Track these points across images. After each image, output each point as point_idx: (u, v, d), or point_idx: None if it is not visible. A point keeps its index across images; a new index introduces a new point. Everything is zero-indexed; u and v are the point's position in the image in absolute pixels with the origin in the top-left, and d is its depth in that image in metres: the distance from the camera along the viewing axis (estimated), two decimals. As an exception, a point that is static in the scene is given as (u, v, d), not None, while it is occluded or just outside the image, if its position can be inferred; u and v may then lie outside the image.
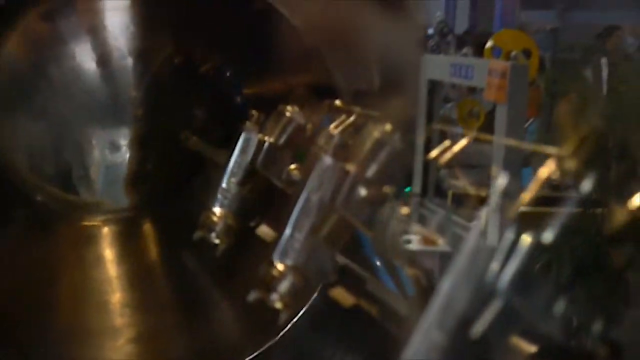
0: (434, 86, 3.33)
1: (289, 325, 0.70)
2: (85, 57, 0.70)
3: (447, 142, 0.46)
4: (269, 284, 0.53)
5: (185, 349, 0.74)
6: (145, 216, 0.72)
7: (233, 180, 0.63)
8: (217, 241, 0.63)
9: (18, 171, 0.69)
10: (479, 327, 0.33)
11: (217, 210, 0.63)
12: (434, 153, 0.46)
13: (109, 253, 0.73)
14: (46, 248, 0.71)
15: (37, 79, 0.72)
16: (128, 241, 0.73)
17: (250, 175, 0.62)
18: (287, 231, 0.52)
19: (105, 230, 0.72)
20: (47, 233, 0.72)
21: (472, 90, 3.43)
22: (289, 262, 0.52)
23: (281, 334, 0.70)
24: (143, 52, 0.68)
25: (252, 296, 0.55)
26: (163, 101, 0.71)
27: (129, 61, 0.70)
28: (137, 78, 0.72)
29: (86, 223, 0.72)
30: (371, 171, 0.50)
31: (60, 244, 0.72)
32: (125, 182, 0.69)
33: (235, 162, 0.63)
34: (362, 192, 0.50)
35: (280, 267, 0.52)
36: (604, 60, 4.02)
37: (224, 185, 0.64)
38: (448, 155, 0.45)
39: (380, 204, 0.50)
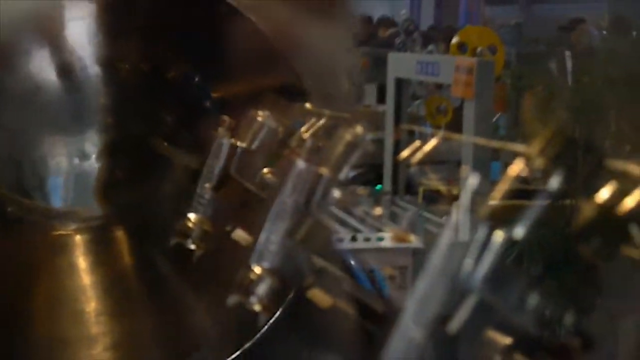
0: (401, 84, 3.35)
1: (266, 327, 0.70)
2: (50, 66, 0.71)
3: (417, 142, 0.46)
4: (247, 287, 0.54)
5: (162, 354, 0.74)
6: (117, 223, 0.72)
7: (207, 185, 0.63)
8: (193, 247, 0.63)
9: None
10: (455, 323, 0.34)
11: (192, 216, 0.64)
12: (404, 153, 0.47)
13: (82, 261, 0.73)
14: (18, 258, 0.71)
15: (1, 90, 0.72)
16: (101, 249, 0.73)
17: (224, 180, 0.62)
18: (263, 235, 0.53)
19: (78, 238, 0.72)
20: (19, 243, 0.72)
21: (440, 86, 3.46)
22: (266, 265, 0.52)
23: (258, 335, 0.71)
24: (109, 59, 0.69)
25: (232, 300, 0.56)
26: (131, 108, 0.72)
27: (96, 69, 0.70)
28: (104, 86, 0.73)
29: (58, 232, 0.72)
30: (344, 174, 0.51)
31: (32, 253, 0.72)
32: (96, 190, 0.70)
33: (209, 167, 0.64)
34: (336, 194, 0.51)
35: (257, 270, 0.53)
36: (568, 53, 4.07)
37: (198, 190, 0.64)
38: (419, 155, 0.45)
39: (354, 205, 0.51)
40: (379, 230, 2.48)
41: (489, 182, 0.38)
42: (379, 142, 3.14)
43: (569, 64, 3.95)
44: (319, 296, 0.53)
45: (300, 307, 0.76)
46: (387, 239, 2.44)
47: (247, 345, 0.69)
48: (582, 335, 0.37)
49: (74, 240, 0.74)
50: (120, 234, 0.75)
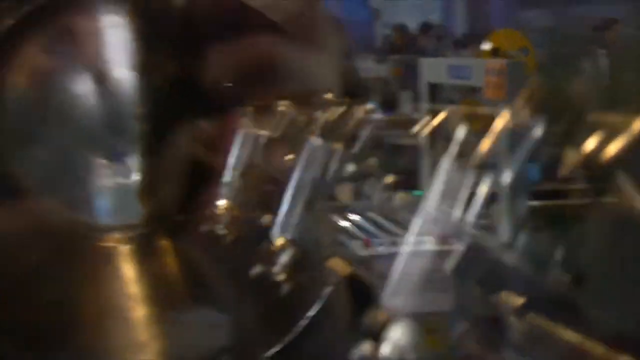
0: (434, 89, 3.37)
1: (307, 319, 0.73)
2: (87, 79, 0.74)
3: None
4: (270, 258, 0.58)
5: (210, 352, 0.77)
6: (159, 231, 0.74)
7: (235, 173, 0.67)
8: (223, 232, 0.67)
9: (33, 198, 0.71)
10: (450, 262, 0.37)
11: (221, 203, 0.68)
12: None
13: (127, 271, 0.75)
14: (63, 271, 0.74)
15: (43, 109, 0.75)
16: (145, 258, 0.75)
17: (250, 167, 0.66)
18: (284, 208, 0.57)
19: (122, 248, 0.75)
20: (64, 256, 0.75)
21: (473, 90, 3.48)
22: (288, 236, 0.56)
23: (299, 328, 0.74)
24: (144, 67, 0.72)
25: (255, 271, 0.59)
26: (167, 116, 0.75)
27: (131, 78, 0.74)
28: (140, 95, 0.76)
29: (102, 244, 0.74)
30: (356, 149, 0.54)
31: (78, 265, 0.74)
32: (137, 200, 0.72)
33: (236, 156, 0.68)
34: (350, 168, 0.54)
35: (279, 241, 0.56)
36: (602, 52, 4.07)
37: (227, 179, 0.68)
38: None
39: (367, 177, 0.54)
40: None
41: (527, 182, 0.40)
42: (417, 148, 3.16)
43: (603, 63, 3.95)
44: (339, 265, 0.56)
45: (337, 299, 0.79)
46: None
47: (289, 338, 0.71)
48: (574, 274, 0.39)
49: (119, 250, 0.77)
50: (163, 242, 0.79)
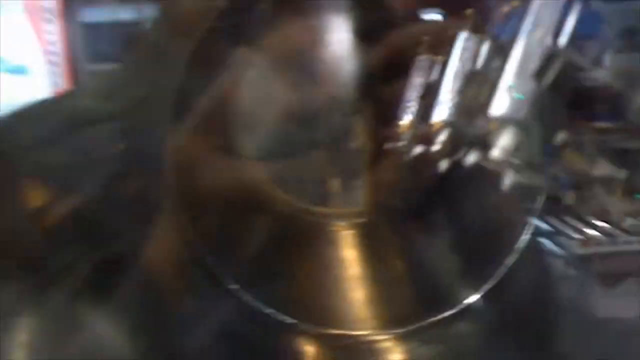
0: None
1: (506, 265, 0.76)
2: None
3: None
4: (429, 138, 0.64)
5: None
6: (382, 217, 0.76)
7: (453, 89, 0.67)
8: (436, 148, 0.67)
9: (261, 184, 0.74)
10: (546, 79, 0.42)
11: (434, 121, 0.68)
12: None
13: (351, 254, 0.78)
14: (296, 253, 0.77)
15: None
16: (367, 242, 0.78)
17: (470, 79, 0.66)
18: (441, 96, 0.64)
19: (347, 233, 0.77)
20: (291, 240, 0.77)
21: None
22: (444, 118, 0.63)
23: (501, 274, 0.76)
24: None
25: (414, 152, 0.65)
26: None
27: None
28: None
29: (328, 229, 0.76)
30: (505, 37, 0.60)
31: (304, 249, 0.77)
32: (361, 188, 0.73)
33: (455, 70, 0.68)
34: (495, 63, 0.61)
35: (436, 124, 0.64)
36: None
37: (443, 96, 0.67)
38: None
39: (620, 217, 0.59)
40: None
41: None
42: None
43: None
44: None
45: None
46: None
47: (490, 284, 0.75)
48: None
49: (343, 235, 0.77)
50: (384, 227, 0.78)
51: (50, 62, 3.63)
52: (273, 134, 0.74)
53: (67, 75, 3.62)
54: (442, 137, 0.64)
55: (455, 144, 0.64)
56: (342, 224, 0.76)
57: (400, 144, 0.68)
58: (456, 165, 0.68)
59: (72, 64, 3.61)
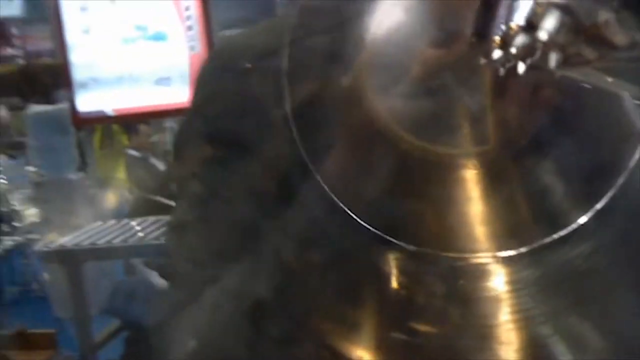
0: None
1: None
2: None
3: None
4: (508, 43, 0.66)
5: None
6: (504, 153, 0.77)
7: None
8: (514, 51, 0.66)
9: (388, 123, 0.76)
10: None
11: (514, 25, 0.66)
12: None
13: (473, 191, 0.80)
14: (417, 191, 0.79)
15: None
16: (489, 178, 0.79)
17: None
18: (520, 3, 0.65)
19: (470, 172, 0.79)
20: (415, 178, 0.80)
21: None
22: (520, 22, 0.65)
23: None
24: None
25: (520, 40, 0.66)
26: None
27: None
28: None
29: (451, 167, 0.78)
30: None
31: (429, 186, 0.79)
32: (489, 127, 0.74)
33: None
34: None
35: (514, 25, 0.65)
36: None
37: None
38: None
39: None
40: None
41: None
42: None
43: None
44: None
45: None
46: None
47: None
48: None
49: (467, 172, 0.79)
50: (505, 162, 0.80)
51: (188, 28, 3.77)
52: (405, 75, 0.78)
53: (203, 40, 3.76)
54: (519, 40, 0.66)
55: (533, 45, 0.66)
56: (465, 161, 0.79)
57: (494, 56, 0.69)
58: (569, 90, 0.71)
59: (207, 30, 3.74)
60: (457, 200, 0.80)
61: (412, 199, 0.80)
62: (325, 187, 0.80)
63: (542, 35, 0.65)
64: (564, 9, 0.64)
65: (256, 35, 0.96)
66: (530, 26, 0.65)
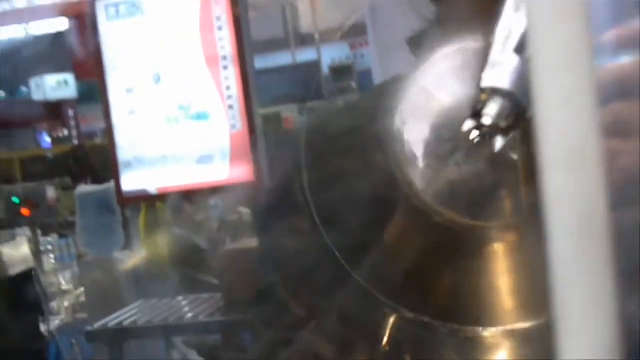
0: None
1: None
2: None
3: None
4: (480, 110, 0.64)
5: None
6: (532, 228, 0.76)
7: (508, 47, 0.63)
8: (488, 122, 0.65)
9: (419, 196, 0.76)
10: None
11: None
12: None
13: (501, 263, 0.80)
14: (450, 262, 0.80)
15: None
16: (514, 252, 0.79)
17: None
18: (492, 56, 0.62)
19: (493, 246, 0.79)
20: (442, 248, 0.80)
21: None
22: (498, 84, 0.62)
23: None
24: None
25: (466, 126, 0.65)
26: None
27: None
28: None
29: (480, 240, 0.78)
30: None
31: (458, 257, 0.79)
32: (516, 199, 0.74)
33: (507, 29, 0.63)
34: None
35: (487, 90, 0.63)
36: None
37: (496, 57, 0.64)
38: None
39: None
40: None
41: None
42: None
43: None
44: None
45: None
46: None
47: None
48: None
49: (495, 246, 0.80)
50: (527, 237, 0.79)
51: (229, 107, 3.81)
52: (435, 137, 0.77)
53: (244, 118, 3.78)
54: (493, 107, 0.63)
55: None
56: (495, 235, 0.78)
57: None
58: None
59: (248, 108, 3.77)
60: (487, 272, 0.78)
61: (444, 271, 0.80)
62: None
63: (486, 120, 0.66)
64: (506, 96, 0.65)
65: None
66: (475, 113, 0.66)
